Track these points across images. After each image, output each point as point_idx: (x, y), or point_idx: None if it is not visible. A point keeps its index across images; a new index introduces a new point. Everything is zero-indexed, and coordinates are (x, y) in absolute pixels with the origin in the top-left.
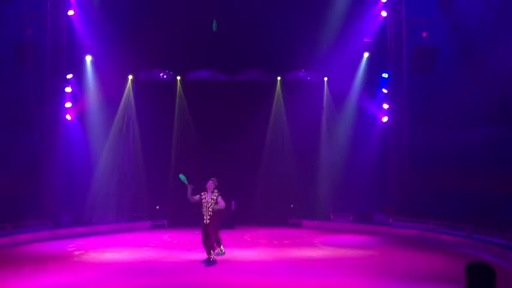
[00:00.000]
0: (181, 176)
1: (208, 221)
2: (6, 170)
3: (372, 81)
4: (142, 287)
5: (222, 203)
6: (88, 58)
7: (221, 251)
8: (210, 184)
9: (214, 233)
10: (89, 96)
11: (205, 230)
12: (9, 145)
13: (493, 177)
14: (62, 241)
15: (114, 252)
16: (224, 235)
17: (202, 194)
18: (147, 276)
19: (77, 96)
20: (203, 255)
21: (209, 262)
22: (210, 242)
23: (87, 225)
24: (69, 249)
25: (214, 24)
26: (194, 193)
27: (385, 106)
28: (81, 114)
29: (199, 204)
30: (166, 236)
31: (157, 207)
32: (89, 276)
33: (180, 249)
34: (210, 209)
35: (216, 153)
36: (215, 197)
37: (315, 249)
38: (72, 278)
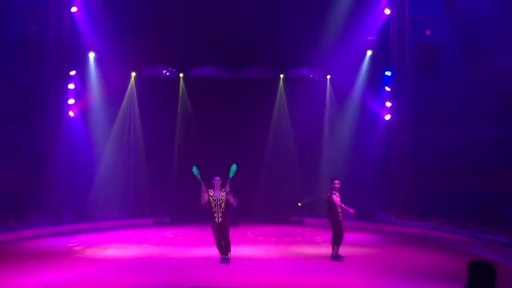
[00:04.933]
0: (194, 169)
1: (220, 219)
2: (9, 166)
3: (375, 79)
4: (144, 283)
5: (232, 199)
6: (91, 55)
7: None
8: (217, 181)
9: (229, 231)
10: (92, 93)
11: (221, 229)
12: (13, 141)
13: (496, 175)
14: (64, 237)
15: (116, 249)
16: None
17: (210, 191)
18: (149, 273)
19: (80, 93)
20: (205, 252)
21: (227, 260)
22: (227, 240)
23: (90, 221)
24: (71, 245)
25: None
26: (205, 191)
27: (388, 104)
28: (84, 111)
29: (208, 203)
30: (168, 232)
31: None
32: (91, 273)
33: (183, 246)
34: (223, 206)
35: (218, 150)
36: (224, 193)
37: (317, 247)
38: (74, 274)
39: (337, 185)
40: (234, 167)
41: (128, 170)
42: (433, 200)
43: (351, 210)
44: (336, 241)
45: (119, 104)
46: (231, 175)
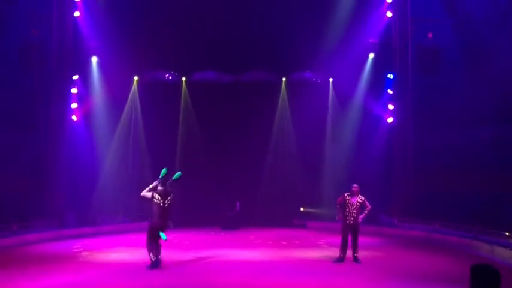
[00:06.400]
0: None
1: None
2: (12, 170)
3: (377, 82)
4: (146, 287)
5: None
6: (94, 59)
7: (152, 258)
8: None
9: (149, 234)
10: (95, 97)
11: None
12: (15, 145)
13: (499, 177)
14: (67, 241)
15: (118, 253)
16: (229, 236)
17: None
18: (151, 276)
19: (83, 97)
20: (207, 255)
21: (151, 265)
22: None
23: (92, 225)
24: (74, 249)
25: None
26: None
27: (391, 107)
28: (86, 115)
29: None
30: (170, 236)
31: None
32: (94, 276)
33: (184, 249)
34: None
35: (220, 153)
36: None
37: (320, 250)
38: (77, 278)
39: (353, 189)
40: (178, 174)
41: (131, 174)
42: (436, 202)
43: (337, 216)
44: (341, 244)
45: (121, 108)
46: (173, 177)
